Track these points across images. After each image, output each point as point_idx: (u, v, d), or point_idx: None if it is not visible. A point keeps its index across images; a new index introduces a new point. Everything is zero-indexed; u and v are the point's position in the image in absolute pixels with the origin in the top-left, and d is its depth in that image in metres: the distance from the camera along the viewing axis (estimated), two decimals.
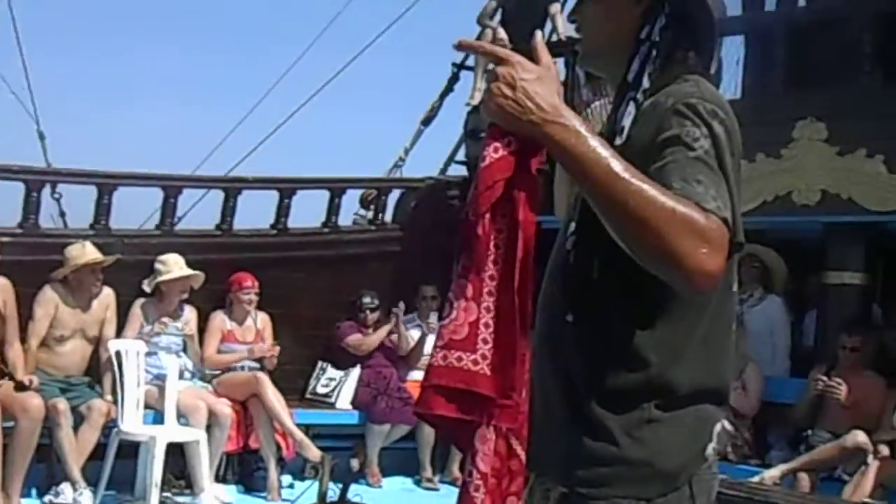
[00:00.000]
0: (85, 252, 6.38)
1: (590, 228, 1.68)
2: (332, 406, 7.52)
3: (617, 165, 1.54)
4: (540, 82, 1.57)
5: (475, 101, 8.67)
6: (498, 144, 1.59)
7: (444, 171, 8.90)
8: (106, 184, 7.14)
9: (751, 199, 6.89)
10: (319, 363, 7.74)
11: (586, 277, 1.74)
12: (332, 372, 7.67)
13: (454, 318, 1.63)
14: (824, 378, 6.07)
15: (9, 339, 6.07)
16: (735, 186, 1.66)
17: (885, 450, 5.67)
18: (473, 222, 1.62)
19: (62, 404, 5.96)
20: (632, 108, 1.78)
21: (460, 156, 8.69)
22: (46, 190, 7.04)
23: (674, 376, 1.77)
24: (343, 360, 7.67)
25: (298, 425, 6.79)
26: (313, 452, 6.57)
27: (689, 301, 1.71)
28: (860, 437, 5.72)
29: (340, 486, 5.96)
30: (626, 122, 1.77)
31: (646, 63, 1.82)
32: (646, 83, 1.80)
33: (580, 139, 1.55)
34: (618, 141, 1.74)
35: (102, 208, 7.07)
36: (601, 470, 1.76)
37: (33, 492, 6.01)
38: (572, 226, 1.81)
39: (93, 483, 6.02)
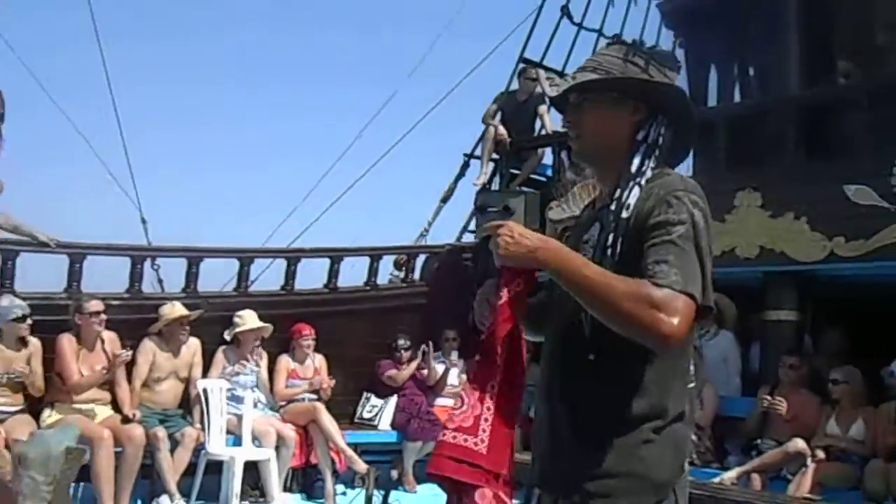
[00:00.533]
0: (175, 310, 6.41)
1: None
2: (375, 428, 7.43)
3: (587, 269, 1.70)
4: (524, 230, 1.78)
5: (480, 183, 8.69)
6: (508, 288, 1.83)
7: (459, 238, 8.89)
8: (194, 256, 7.15)
9: None
10: (364, 393, 7.66)
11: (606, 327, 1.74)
12: (374, 400, 7.60)
13: (465, 410, 1.83)
14: (768, 397, 5.97)
15: (117, 381, 6.06)
16: (707, 261, 1.75)
17: (820, 454, 5.58)
18: (492, 344, 1.83)
19: (161, 432, 5.93)
20: (637, 190, 1.84)
21: (471, 226, 8.69)
22: (147, 262, 7.04)
23: (666, 404, 1.81)
24: (383, 391, 7.59)
25: (349, 444, 6.70)
26: (361, 466, 6.49)
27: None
28: (800, 443, 5.61)
29: (383, 492, 5.91)
30: (632, 201, 1.82)
31: (646, 158, 1.88)
32: (649, 173, 1.87)
33: (560, 254, 1.74)
34: (625, 213, 1.82)
35: (191, 276, 7.08)
36: (608, 482, 1.77)
37: (138, 502, 5.93)
38: None
39: (186, 494, 5.96)
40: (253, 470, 6.28)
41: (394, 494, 6.01)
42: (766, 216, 6.54)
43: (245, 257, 7.41)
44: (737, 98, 8.07)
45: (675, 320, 1.63)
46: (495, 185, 8.71)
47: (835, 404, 5.84)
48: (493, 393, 1.83)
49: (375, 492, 5.90)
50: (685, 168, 7.64)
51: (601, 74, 1.91)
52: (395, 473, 7.11)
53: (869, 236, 5.97)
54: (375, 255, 8.11)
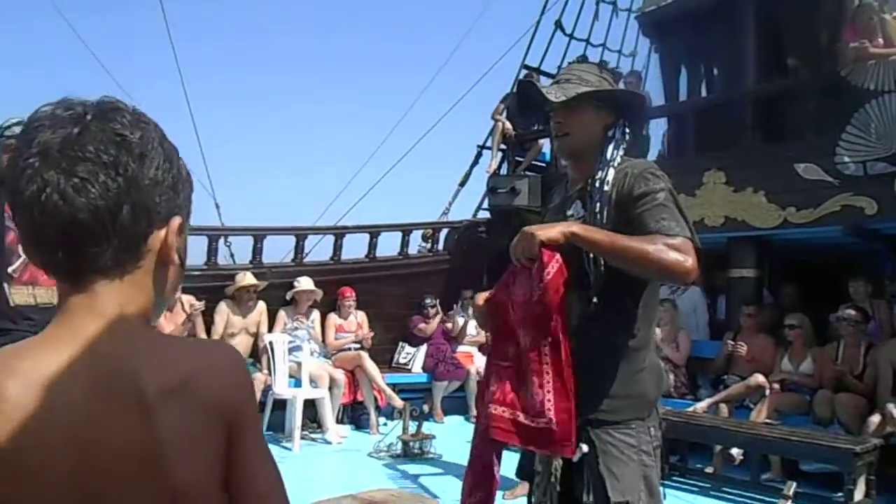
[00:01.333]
0: (245, 278, 6.41)
1: None
2: (409, 371, 7.45)
3: (609, 236, 1.72)
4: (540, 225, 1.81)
5: (491, 169, 8.63)
6: (553, 261, 1.75)
7: (474, 215, 8.83)
8: (259, 234, 7.16)
9: None
10: (400, 343, 7.67)
11: (606, 275, 1.82)
12: (408, 348, 7.61)
13: (534, 397, 1.79)
14: (731, 342, 5.93)
15: (197, 334, 6.09)
16: (686, 214, 1.82)
17: (776, 386, 5.52)
18: (550, 319, 1.76)
19: None
20: (611, 172, 1.91)
21: (484, 205, 8.63)
22: (221, 240, 7.06)
23: (649, 339, 1.93)
24: (415, 341, 7.60)
25: (388, 384, 6.72)
26: (398, 402, 6.52)
27: (653, 288, 1.90)
28: (759, 378, 5.55)
29: (417, 423, 5.91)
30: (609, 178, 1.90)
31: (615, 149, 1.95)
32: (618, 159, 1.94)
33: (586, 227, 1.78)
34: (606, 188, 1.89)
35: (257, 250, 7.09)
36: (615, 402, 1.86)
37: None
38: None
39: None
40: (311, 406, 6.31)
41: (426, 425, 6.01)
42: (729, 191, 6.43)
43: (300, 234, 7.41)
44: (703, 93, 7.90)
45: (691, 259, 1.70)
46: (503, 171, 8.64)
47: (788, 345, 5.77)
48: (549, 377, 1.77)
49: (410, 422, 5.92)
50: (654, 154, 7.55)
51: (588, 87, 1.96)
52: (426, 407, 7.14)
53: (816, 206, 5.87)
54: (406, 230, 8.09)
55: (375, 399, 6.69)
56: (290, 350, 6.49)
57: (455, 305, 7.61)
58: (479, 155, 9.12)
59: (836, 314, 5.55)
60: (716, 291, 7.21)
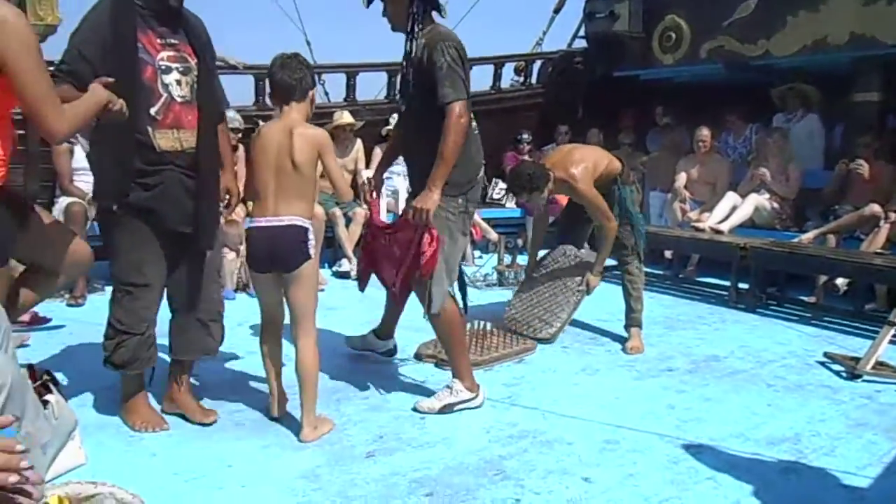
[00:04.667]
0: (343, 117, 6.46)
1: (416, 93, 2.89)
2: (503, 206, 7.51)
3: (438, 169, 2.74)
4: (422, 202, 2.83)
5: None
6: (433, 241, 2.85)
7: (570, 44, 8.39)
8: (351, 71, 7.11)
9: (795, 44, 6.22)
10: (494, 179, 7.66)
11: (419, 95, 2.86)
12: (502, 184, 7.61)
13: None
14: (846, 161, 5.57)
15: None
16: (464, 73, 2.73)
17: (893, 216, 5.18)
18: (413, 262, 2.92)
19: (337, 211, 6.18)
20: (421, 42, 2.86)
21: (581, 33, 8.13)
22: (315, 78, 7.04)
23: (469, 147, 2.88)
24: None
25: (483, 219, 6.82)
26: (493, 235, 6.64)
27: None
28: (875, 207, 5.24)
29: (510, 255, 6.01)
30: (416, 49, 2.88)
31: (415, 22, 2.89)
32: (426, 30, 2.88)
33: (433, 181, 2.75)
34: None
35: (350, 87, 7.07)
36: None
37: (325, 265, 6.30)
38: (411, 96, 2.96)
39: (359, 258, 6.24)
40: None
41: (519, 257, 6.11)
42: (858, 4, 5.77)
43: (392, 70, 7.25)
44: None
45: (453, 118, 2.68)
46: None
47: None
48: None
49: (505, 254, 6.02)
50: None
51: None
52: (520, 241, 7.19)
53: None
54: (499, 62, 7.81)
55: (471, 233, 6.78)
56: (387, 186, 6.58)
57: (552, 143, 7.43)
58: None
59: None
60: (834, 119, 6.68)
